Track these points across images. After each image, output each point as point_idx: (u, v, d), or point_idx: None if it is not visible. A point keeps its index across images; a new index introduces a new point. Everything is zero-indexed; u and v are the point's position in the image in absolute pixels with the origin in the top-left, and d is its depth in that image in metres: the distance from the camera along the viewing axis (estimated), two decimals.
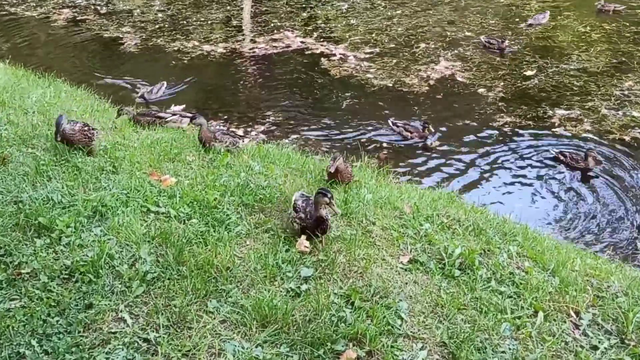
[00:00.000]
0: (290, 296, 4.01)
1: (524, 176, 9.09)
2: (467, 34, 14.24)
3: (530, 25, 14.51)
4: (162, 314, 3.79)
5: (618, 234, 7.69)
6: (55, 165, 5.53)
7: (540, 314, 4.08)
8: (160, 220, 4.79)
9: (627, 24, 14.38)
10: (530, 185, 8.92)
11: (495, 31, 14.31)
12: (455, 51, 13.18)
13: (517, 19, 15.20)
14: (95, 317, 3.76)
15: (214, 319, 3.79)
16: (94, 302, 3.86)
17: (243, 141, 6.80)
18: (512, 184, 8.95)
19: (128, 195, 5.07)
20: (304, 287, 4.08)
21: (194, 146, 6.58)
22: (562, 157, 9.24)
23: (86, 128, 5.91)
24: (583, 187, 8.80)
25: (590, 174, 8.96)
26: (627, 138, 9.68)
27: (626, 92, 10.98)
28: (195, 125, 6.66)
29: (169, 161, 6.14)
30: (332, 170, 5.61)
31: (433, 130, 9.99)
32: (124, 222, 4.65)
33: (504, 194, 8.73)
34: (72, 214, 4.70)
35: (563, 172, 9.12)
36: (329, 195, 4.43)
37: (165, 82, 11.82)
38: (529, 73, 11.92)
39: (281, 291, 4.05)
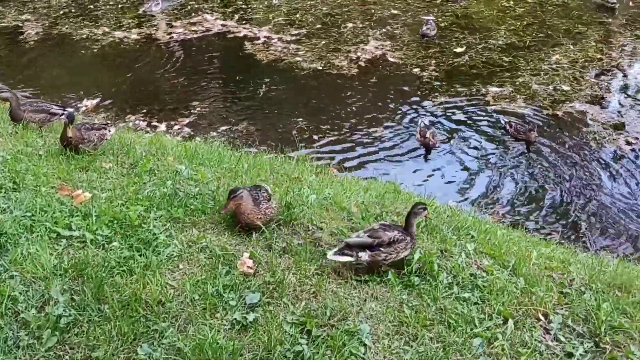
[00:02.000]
0: (236, 330, 3.46)
1: (461, 158, 8.92)
2: (394, 12, 13.90)
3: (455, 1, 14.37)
4: None
5: (560, 214, 7.63)
6: None
7: (510, 323, 3.76)
8: (74, 247, 4.08)
9: None
10: (467, 166, 8.75)
11: (421, 9, 14.04)
12: (384, 30, 12.82)
13: None
14: None
15: None
16: None
17: (110, 131, 5.88)
18: (446, 165, 8.76)
19: (33, 219, 4.30)
20: (251, 316, 3.54)
21: (111, 151, 5.83)
22: (508, 127, 9.26)
23: None
24: (521, 165, 8.73)
25: (532, 147, 8.95)
26: (559, 113, 9.69)
27: (554, 66, 11.03)
28: (68, 122, 5.47)
29: (82, 170, 5.38)
30: (223, 212, 4.38)
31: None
32: (29, 253, 3.91)
33: (430, 176, 8.52)
34: None
35: (497, 152, 9.02)
36: None
37: None
38: (458, 50, 11.75)
39: (225, 325, 3.50)
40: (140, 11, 12.69)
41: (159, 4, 13.42)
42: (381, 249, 4.03)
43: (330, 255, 4.01)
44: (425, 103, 10.10)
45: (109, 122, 7.32)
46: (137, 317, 3.45)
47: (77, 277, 3.77)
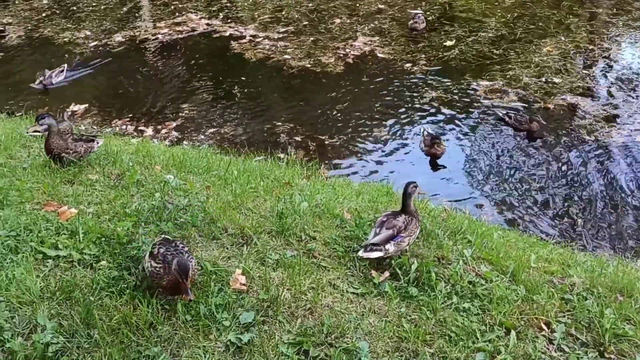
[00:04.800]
0: (231, 353, 3.35)
1: (454, 155, 8.81)
2: (380, 6, 13.75)
3: None
4: None
5: (554, 211, 7.55)
6: None
7: (513, 334, 3.67)
8: (61, 267, 3.94)
9: None
10: (460, 163, 8.65)
11: (407, 3, 13.90)
12: (372, 25, 12.68)
13: None
14: None
15: None
16: None
17: (97, 143, 5.64)
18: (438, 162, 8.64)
19: (18, 238, 4.15)
20: (245, 337, 3.42)
21: (97, 161, 5.67)
22: (507, 119, 9.15)
23: None
24: (513, 160, 8.65)
25: (536, 138, 8.88)
26: (551, 106, 9.61)
27: (545, 58, 10.94)
28: (42, 130, 5.24)
29: (68, 183, 5.22)
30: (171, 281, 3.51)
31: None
32: (14, 276, 3.76)
33: (422, 175, 8.38)
34: None
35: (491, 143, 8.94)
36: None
37: (65, 65, 10.48)
38: (448, 43, 11.63)
39: (219, 347, 3.38)
40: (36, 84, 10.31)
41: (63, 71, 10.64)
42: (402, 234, 4.19)
43: (361, 253, 4.12)
44: (417, 99, 9.98)
45: (98, 133, 7.06)
46: (127, 343, 3.32)
47: (64, 300, 3.62)
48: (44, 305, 3.57)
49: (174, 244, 3.72)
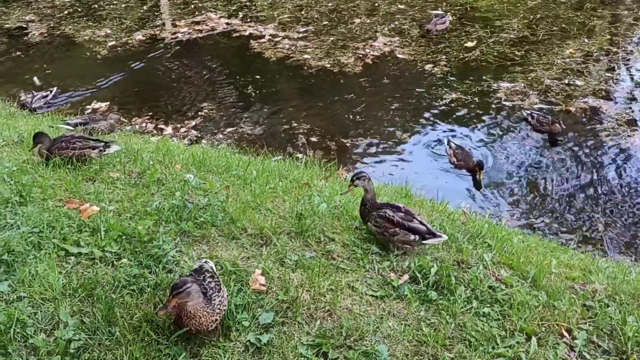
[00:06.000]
0: (250, 353, 3.36)
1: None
2: (401, 6, 13.70)
3: None
4: None
5: (575, 216, 7.46)
6: None
7: (534, 340, 3.63)
8: (83, 264, 3.98)
9: None
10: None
11: (428, 3, 13.83)
12: (392, 25, 12.63)
13: None
14: None
15: None
16: None
17: (102, 150, 5.55)
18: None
19: (41, 235, 4.20)
20: (265, 338, 3.43)
21: (118, 159, 5.73)
22: (530, 119, 9.04)
23: None
24: (535, 163, 8.56)
25: (558, 140, 8.79)
26: (572, 109, 9.49)
27: (567, 61, 10.81)
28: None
29: (89, 181, 5.28)
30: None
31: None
32: (37, 272, 3.81)
33: (439, 177, 8.33)
34: None
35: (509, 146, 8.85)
36: None
37: (55, 88, 10.29)
38: (469, 44, 11.54)
39: (239, 347, 3.39)
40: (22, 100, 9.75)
41: (47, 96, 10.01)
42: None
43: (429, 241, 4.35)
44: (437, 100, 9.92)
45: (112, 138, 6.96)
46: (148, 341, 3.34)
47: (86, 297, 3.66)
48: (66, 302, 3.61)
49: (203, 276, 3.40)
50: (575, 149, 8.69)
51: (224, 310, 3.35)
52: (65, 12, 13.93)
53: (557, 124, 8.75)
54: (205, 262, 3.67)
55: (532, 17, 12.66)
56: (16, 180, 4.98)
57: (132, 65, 11.45)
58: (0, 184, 4.95)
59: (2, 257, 3.93)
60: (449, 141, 8.63)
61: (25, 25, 13.23)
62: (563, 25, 12.20)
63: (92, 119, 7.34)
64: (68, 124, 7.35)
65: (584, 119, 9.27)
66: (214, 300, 3.26)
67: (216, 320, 3.27)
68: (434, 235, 4.34)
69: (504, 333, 3.71)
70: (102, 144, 5.70)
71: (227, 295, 3.46)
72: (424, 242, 4.35)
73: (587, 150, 8.62)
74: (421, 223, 4.40)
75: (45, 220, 4.34)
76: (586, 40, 11.53)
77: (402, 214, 4.44)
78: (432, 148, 8.89)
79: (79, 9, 14.15)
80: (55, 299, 3.63)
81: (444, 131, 9.21)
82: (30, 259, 3.95)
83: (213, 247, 4.28)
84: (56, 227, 4.29)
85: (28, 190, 4.83)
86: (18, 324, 3.40)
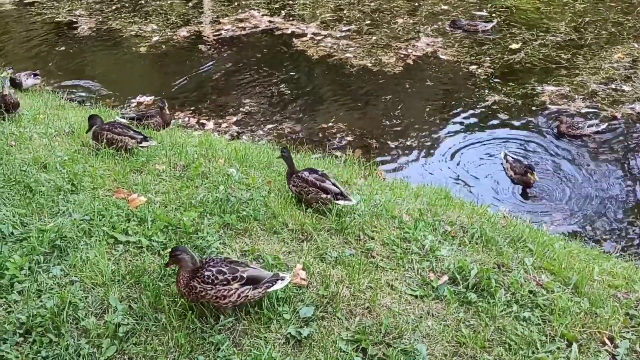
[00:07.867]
0: (291, 345, 3.43)
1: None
2: (444, 7, 13.60)
3: None
4: None
5: (617, 222, 7.30)
6: (2, 188, 4.79)
7: (575, 347, 3.60)
8: (131, 252, 4.13)
9: None
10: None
11: (472, 4, 13.67)
12: (435, 26, 12.55)
13: None
14: None
15: None
16: None
17: (139, 141, 5.80)
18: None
19: (91, 222, 4.37)
20: (305, 331, 3.50)
21: (164, 152, 5.89)
22: (560, 124, 8.89)
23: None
24: (581, 166, 8.39)
25: (590, 144, 8.66)
26: (618, 115, 9.27)
27: (615, 65, 10.56)
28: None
29: (136, 172, 5.45)
30: None
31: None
32: (88, 258, 3.97)
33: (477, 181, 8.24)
34: (25, 250, 4.00)
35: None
36: None
37: (38, 71, 10.26)
38: (514, 46, 11.38)
39: (280, 339, 3.47)
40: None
41: (34, 76, 9.83)
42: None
43: (340, 202, 4.76)
44: (479, 102, 9.82)
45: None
46: (193, 329, 3.45)
47: (134, 284, 3.80)
48: (115, 287, 3.76)
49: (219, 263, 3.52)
50: (620, 155, 8.49)
51: (221, 296, 3.42)
52: (113, 7, 14.30)
53: (561, 123, 8.71)
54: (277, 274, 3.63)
55: (580, 20, 12.39)
56: (68, 170, 5.18)
57: (176, 60, 11.69)
58: (54, 172, 5.17)
59: (56, 242, 4.12)
60: (505, 155, 8.29)
61: (75, 20, 13.63)
62: (612, 29, 11.90)
63: (147, 115, 7.53)
64: (123, 117, 7.60)
65: (630, 125, 9.03)
66: (207, 279, 3.39)
67: (195, 288, 3.40)
68: (345, 198, 4.77)
69: (545, 338, 3.68)
70: (141, 136, 5.88)
71: (249, 291, 3.47)
72: (336, 201, 4.77)
73: (632, 158, 8.41)
74: (334, 185, 4.85)
75: (96, 209, 4.51)
76: (635, 45, 11.24)
77: (317, 175, 4.91)
78: (469, 149, 8.80)
79: (127, 5, 14.50)
80: (104, 284, 3.77)
81: (486, 135, 9.11)
82: (81, 245, 4.11)
83: (255, 240, 4.37)
84: (106, 215, 4.45)
85: (79, 179, 5.02)
86: (70, 306, 3.55)
